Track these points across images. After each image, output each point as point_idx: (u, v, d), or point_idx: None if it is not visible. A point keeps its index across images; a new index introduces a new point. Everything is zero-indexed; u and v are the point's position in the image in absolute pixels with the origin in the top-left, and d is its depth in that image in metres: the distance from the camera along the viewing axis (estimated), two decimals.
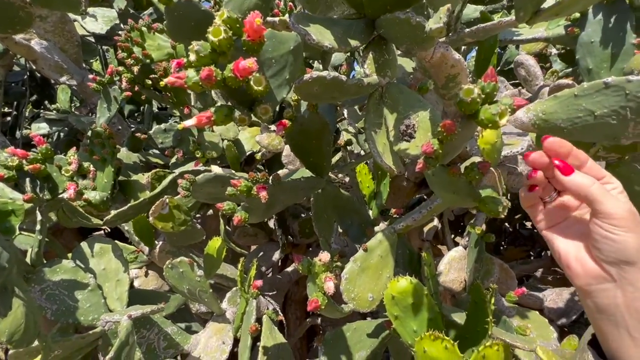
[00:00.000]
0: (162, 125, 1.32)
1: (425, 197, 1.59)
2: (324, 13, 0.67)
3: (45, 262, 0.83)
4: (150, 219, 0.89)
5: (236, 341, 0.85)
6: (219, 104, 0.50)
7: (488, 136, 0.67)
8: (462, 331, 0.66)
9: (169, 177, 0.93)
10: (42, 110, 1.90)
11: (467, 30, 0.83)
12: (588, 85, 0.51)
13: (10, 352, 0.67)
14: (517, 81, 1.23)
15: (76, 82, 1.25)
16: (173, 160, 1.22)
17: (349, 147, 1.19)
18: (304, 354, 1.51)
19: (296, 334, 1.38)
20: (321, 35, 0.54)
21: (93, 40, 1.59)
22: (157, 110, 1.87)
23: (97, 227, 1.00)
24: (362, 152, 1.27)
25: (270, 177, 0.68)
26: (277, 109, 1.36)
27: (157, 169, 1.12)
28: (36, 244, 0.80)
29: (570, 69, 1.31)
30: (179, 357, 0.96)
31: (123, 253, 0.92)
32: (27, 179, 0.81)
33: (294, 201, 0.85)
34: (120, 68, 1.11)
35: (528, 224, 2.13)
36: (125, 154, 1.26)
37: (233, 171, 1.10)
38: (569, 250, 0.46)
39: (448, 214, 1.38)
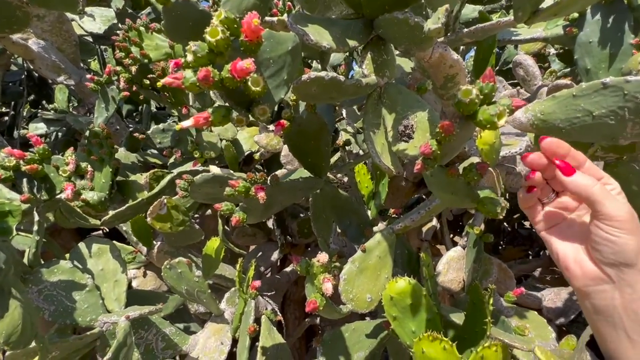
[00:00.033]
0: (161, 125, 1.32)
1: (424, 196, 1.60)
2: (323, 13, 0.67)
3: (42, 262, 0.83)
4: (148, 219, 0.89)
5: (235, 342, 0.85)
6: (217, 104, 0.49)
7: (486, 137, 0.67)
8: (461, 331, 0.66)
9: (167, 178, 0.93)
10: (39, 110, 1.89)
11: (466, 30, 0.83)
12: (586, 86, 0.51)
13: (8, 353, 0.67)
14: (515, 81, 1.23)
15: (74, 82, 1.24)
16: (171, 160, 1.22)
17: (347, 147, 1.19)
18: (302, 354, 1.51)
19: (295, 334, 1.38)
20: (319, 35, 0.54)
21: (91, 39, 1.59)
22: (155, 110, 1.86)
23: (95, 227, 1.00)
24: (361, 152, 1.26)
25: (269, 178, 0.68)
26: (276, 108, 1.35)
27: (156, 169, 1.12)
28: (33, 244, 0.79)
29: (569, 69, 1.31)
30: (177, 358, 0.96)
31: (121, 253, 0.92)
32: (25, 180, 0.80)
33: (292, 201, 0.85)
34: (118, 68, 1.10)
35: (527, 224, 2.14)
36: (123, 154, 1.26)
37: (231, 171, 1.09)
38: (567, 251, 0.46)
39: (447, 213, 1.38)
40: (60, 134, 1.76)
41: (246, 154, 1.27)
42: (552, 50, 1.38)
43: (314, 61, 1.48)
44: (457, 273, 0.97)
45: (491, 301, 0.60)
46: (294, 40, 0.52)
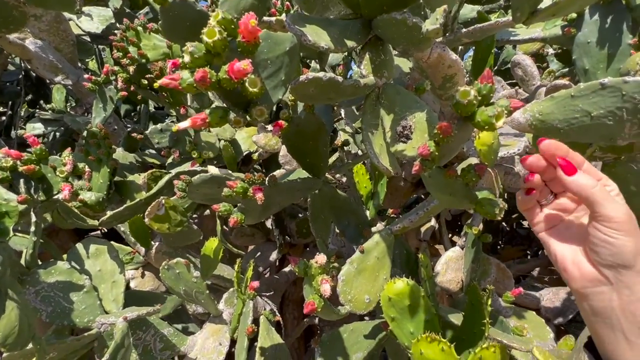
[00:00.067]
0: (159, 125, 1.31)
1: (422, 196, 1.60)
2: (321, 13, 0.67)
3: (40, 263, 0.83)
4: (146, 220, 0.89)
5: (233, 342, 0.85)
6: (214, 105, 0.49)
7: (485, 137, 0.67)
8: (459, 332, 0.66)
9: (165, 178, 0.93)
10: (37, 110, 1.89)
11: (464, 30, 0.83)
12: (584, 86, 0.51)
13: (4, 355, 0.67)
14: (514, 81, 1.23)
15: (71, 81, 1.24)
16: (169, 160, 1.21)
17: (346, 148, 1.18)
18: (301, 354, 1.51)
19: (294, 334, 1.38)
20: (317, 36, 0.54)
21: (89, 39, 1.58)
22: (153, 109, 1.86)
23: (93, 228, 1.00)
24: (360, 152, 1.26)
25: (267, 179, 0.68)
26: (275, 108, 1.35)
27: (154, 169, 1.11)
28: (31, 245, 0.79)
29: (567, 69, 1.31)
30: (175, 359, 0.96)
31: (119, 254, 0.92)
32: (22, 180, 0.80)
33: (290, 202, 0.85)
34: (116, 68, 1.10)
35: (525, 224, 2.14)
36: (121, 154, 1.26)
37: (230, 171, 1.09)
38: (565, 253, 0.46)
39: (445, 214, 1.38)
40: (58, 134, 1.76)
41: (245, 154, 1.27)
42: (551, 50, 1.38)
43: (313, 61, 1.48)
44: (455, 273, 0.97)
45: (489, 302, 0.60)
46: (292, 41, 0.52)
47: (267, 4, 0.79)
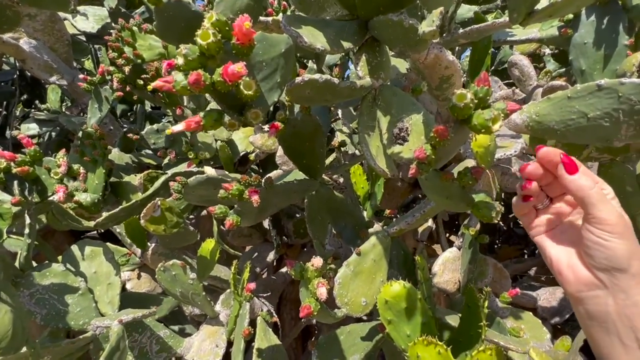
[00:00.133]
0: (155, 126, 1.31)
1: (420, 196, 1.60)
2: (317, 14, 0.66)
3: (34, 265, 0.82)
4: (142, 221, 0.88)
5: (230, 344, 0.85)
6: (209, 107, 0.49)
7: (481, 139, 0.67)
8: (456, 334, 0.66)
9: (161, 179, 0.92)
10: (32, 110, 1.87)
11: (461, 31, 0.83)
12: (581, 88, 0.51)
13: None
14: (511, 81, 1.23)
15: (66, 81, 1.23)
16: (166, 161, 1.21)
17: (343, 148, 1.18)
18: (299, 354, 1.51)
19: (291, 334, 1.37)
20: (313, 37, 0.54)
21: (84, 39, 1.57)
22: (150, 109, 1.85)
23: (88, 229, 0.99)
24: (357, 153, 1.26)
25: (263, 180, 0.68)
26: (271, 108, 1.34)
27: (150, 170, 1.11)
28: (25, 247, 0.79)
29: (564, 69, 1.31)
30: None
31: (114, 256, 0.91)
32: (16, 182, 0.79)
33: (287, 204, 0.85)
34: (112, 68, 1.09)
35: None
36: (117, 155, 1.25)
37: (226, 172, 1.09)
38: (560, 256, 0.46)
39: (442, 214, 1.38)
40: (53, 134, 1.75)
41: (241, 154, 1.26)
42: (547, 51, 1.38)
43: (310, 61, 1.48)
44: (452, 274, 0.97)
45: (486, 304, 0.60)
46: (287, 42, 0.51)
47: (263, 3, 0.78)
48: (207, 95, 1.16)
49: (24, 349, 0.66)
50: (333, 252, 0.92)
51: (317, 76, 0.52)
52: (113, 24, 1.28)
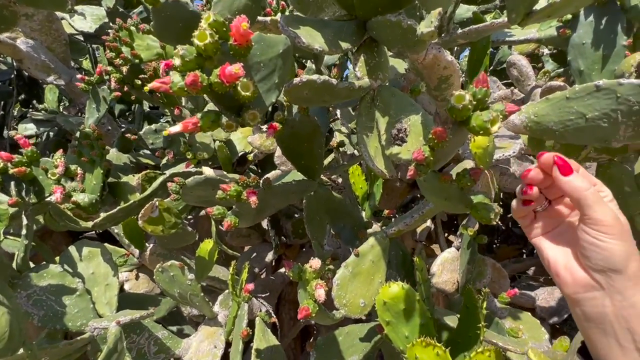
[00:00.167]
0: (153, 126, 1.30)
1: (418, 196, 1.60)
2: (315, 14, 0.66)
3: (32, 266, 0.82)
4: (140, 222, 0.88)
5: (228, 344, 0.84)
6: (206, 109, 0.48)
7: (480, 140, 0.67)
8: (455, 335, 0.66)
9: (159, 180, 0.92)
10: (30, 110, 1.86)
11: (460, 31, 0.83)
12: (579, 88, 0.51)
13: None
14: (509, 81, 1.23)
15: (64, 81, 1.22)
16: (164, 161, 1.20)
17: (341, 149, 1.18)
18: (297, 354, 1.50)
19: (290, 335, 1.37)
20: (311, 38, 0.54)
21: (82, 38, 1.56)
22: (148, 109, 1.85)
23: (86, 230, 0.99)
24: (356, 153, 1.26)
25: (261, 181, 0.67)
26: (270, 108, 1.34)
27: (148, 170, 1.11)
28: (22, 248, 0.78)
29: (562, 69, 1.31)
30: None
31: (112, 256, 0.91)
32: (13, 183, 0.79)
33: (285, 204, 0.85)
34: (109, 68, 1.09)
35: None
36: (115, 155, 1.24)
37: (225, 172, 1.08)
38: (558, 258, 0.46)
39: (441, 214, 1.38)
40: (51, 134, 1.74)
41: (240, 154, 1.26)
42: (546, 51, 1.38)
43: (309, 61, 1.47)
44: (451, 274, 0.97)
45: (485, 305, 0.60)
46: (285, 43, 0.51)
47: (261, 3, 0.78)
48: (205, 96, 1.16)
49: (21, 350, 0.65)
50: (332, 253, 0.91)
51: (315, 77, 0.52)
52: (111, 24, 1.28)
